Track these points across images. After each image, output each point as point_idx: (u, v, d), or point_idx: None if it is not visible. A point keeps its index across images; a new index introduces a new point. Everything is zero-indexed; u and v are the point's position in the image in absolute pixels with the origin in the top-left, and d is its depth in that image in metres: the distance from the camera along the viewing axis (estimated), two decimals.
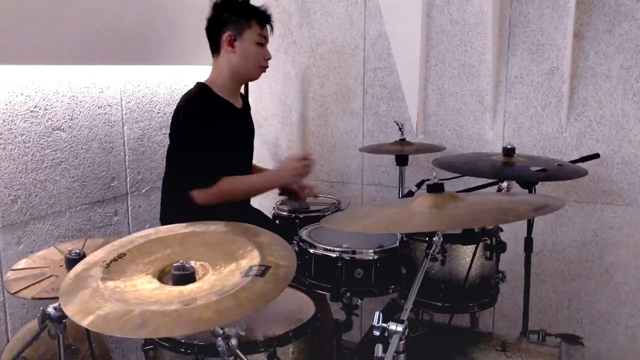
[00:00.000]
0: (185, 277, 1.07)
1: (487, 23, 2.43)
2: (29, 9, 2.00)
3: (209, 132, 2.02)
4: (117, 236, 2.09)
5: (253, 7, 2.19)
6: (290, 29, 2.87)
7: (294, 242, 2.02)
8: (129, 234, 2.62)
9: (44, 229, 2.19)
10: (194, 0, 2.70)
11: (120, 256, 1.13)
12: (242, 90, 2.42)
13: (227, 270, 1.08)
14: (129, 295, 0.99)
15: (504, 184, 1.92)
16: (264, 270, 1.06)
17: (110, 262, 1.11)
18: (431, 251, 1.22)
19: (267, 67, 2.21)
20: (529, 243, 2.14)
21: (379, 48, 2.69)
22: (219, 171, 2.00)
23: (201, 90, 2.12)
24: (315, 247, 1.90)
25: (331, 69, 2.81)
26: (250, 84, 2.99)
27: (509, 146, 1.97)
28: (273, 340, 1.33)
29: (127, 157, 2.55)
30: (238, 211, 2.22)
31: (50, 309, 1.21)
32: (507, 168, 1.88)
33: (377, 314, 1.16)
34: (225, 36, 2.11)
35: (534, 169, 1.77)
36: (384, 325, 1.14)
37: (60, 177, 2.26)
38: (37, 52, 2.05)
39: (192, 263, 1.11)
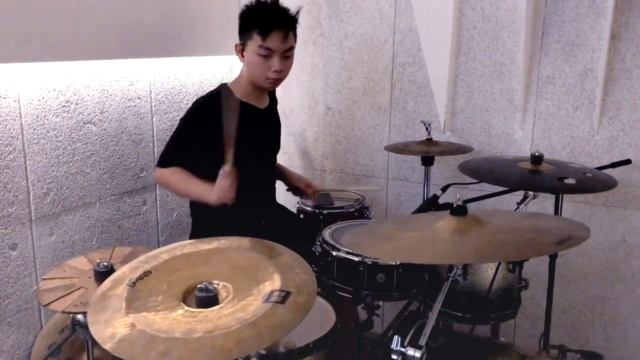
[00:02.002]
0: (209, 299, 1.10)
1: (520, 21, 2.37)
2: (59, 7, 2.02)
3: (211, 133, 1.96)
4: (144, 245, 2.14)
5: (256, 16, 2.02)
6: (319, 21, 2.84)
7: (317, 242, 2.05)
8: (157, 223, 2.69)
9: (75, 220, 2.26)
10: None
11: (146, 274, 1.17)
12: None
13: (248, 293, 1.11)
14: (153, 319, 1.02)
15: (530, 193, 1.91)
16: (284, 296, 1.08)
17: (137, 280, 1.14)
18: (452, 274, 1.22)
19: (276, 78, 2.06)
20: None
21: (408, 43, 2.65)
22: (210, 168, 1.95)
23: (219, 92, 2.12)
24: (338, 249, 1.92)
25: (359, 63, 2.79)
26: None
27: (537, 153, 1.94)
28: (293, 352, 1.35)
29: (155, 148, 2.59)
30: (263, 210, 2.24)
31: (80, 317, 1.25)
32: (534, 177, 1.85)
33: (395, 338, 1.18)
34: (236, 45, 2.09)
35: (566, 181, 1.74)
36: (402, 350, 1.15)
37: (91, 169, 2.31)
38: (68, 49, 2.09)
39: (216, 283, 1.14)
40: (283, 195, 2.49)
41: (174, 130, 2.15)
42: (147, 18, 2.40)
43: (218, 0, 2.71)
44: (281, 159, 3.08)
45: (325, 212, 2.40)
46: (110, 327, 1.01)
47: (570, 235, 1.12)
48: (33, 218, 2.09)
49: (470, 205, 2.51)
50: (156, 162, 2.17)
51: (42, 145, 2.10)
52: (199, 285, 1.11)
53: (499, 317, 1.72)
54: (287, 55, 2.06)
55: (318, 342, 1.42)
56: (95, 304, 1.08)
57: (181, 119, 2.13)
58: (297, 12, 2.09)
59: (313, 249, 2.02)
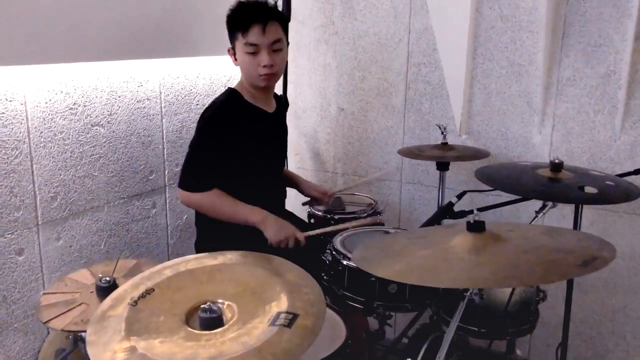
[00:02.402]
0: (213, 320, 1.05)
1: (540, 21, 2.29)
2: (65, 7, 1.99)
3: (229, 141, 1.98)
4: (149, 259, 2.10)
5: (236, 15, 2.03)
6: (332, 19, 2.78)
7: (327, 250, 1.99)
8: (167, 226, 2.65)
9: (83, 224, 2.22)
10: None
11: (149, 292, 1.12)
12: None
13: (254, 315, 1.06)
14: (154, 343, 0.98)
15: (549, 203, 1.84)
16: (291, 319, 1.03)
17: (138, 298, 1.10)
18: (468, 294, 1.16)
19: (269, 73, 2.01)
20: None
21: (423, 42, 2.58)
22: (226, 180, 1.98)
23: (230, 97, 2.08)
24: (349, 258, 1.86)
25: (373, 63, 2.72)
26: (288, 75, 2.93)
27: (556, 160, 1.86)
28: None
29: (165, 150, 2.55)
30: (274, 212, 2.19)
31: (83, 334, 1.21)
32: (554, 186, 1.78)
33: None
34: (228, 50, 2.09)
35: (586, 190, 1.67)
36: None
37: (99, 173, 2.27)
38: (75, 50, 2.05)
39: (220, 303, 1.09)
40: (293, 198, 2.44)
41: (191, 147, 2.05)
42: (156, 18, 2.35)
43: None
44: (292, 160, 3.03)
45: (336, 217, 2.35)
46: (109, 350, 0.97)
47: (595, 256, 1.06)
48: (40, 223, 2.06)
49: (486, 213, 2.46)
50: (180, 183, 2.04)
51: (49, 148, 2.06)
52: (202, 306, 1.06)
53: (516, 333, 1.66)
54: (275, 49, 2.01)
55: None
56: (94, 325, 1.04)
57: (196, 133, 2.06)
58: (289, 9, 2.11)
59: (323, 257, 1.97)
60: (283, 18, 2.08)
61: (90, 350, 0.98)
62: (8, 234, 1.95)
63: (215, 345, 0.97)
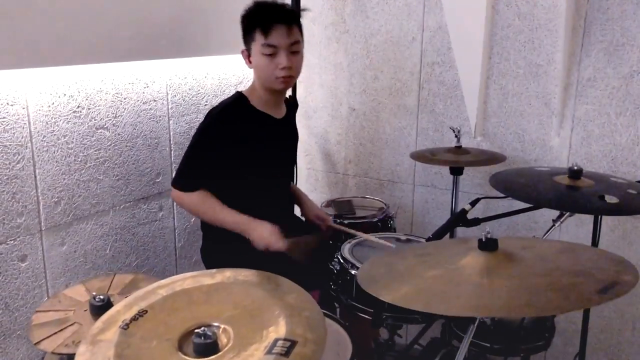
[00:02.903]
0: (207, 346, 1.00)
1: (559, 19, 2.20)
2: (68, 9, 1.94)
3: (228, 144, 1.94)
4: (145, 274, 2.05)
5: (256, 15, 1.97)
6: (343, 17, 2.70)
7: (335, 259, 1.93)
8: (174, 229, 2.61)
9: (87, 229, 2.19)
10: None
11: (141, 314, 1.07)
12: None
13: (251, 340, 1.00)
14: None
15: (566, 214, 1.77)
16: (289, 347, 0.97)
17: (130, 321, 1.05)
18: (479, 317, 1.10)
19: (286, 76, 1.95)
20: None
21: (437, 41, 2.50)
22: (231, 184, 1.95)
23: (235, 100, 2.02)
24: (357, 268, 1.80)
25: (385, 62, 2.64)
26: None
27: (575, 167, 1.78)
28: None
29: (172, 152, 2.51)
30: (278, 223, 2.12)
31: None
32: (572, 194, 1.70)
33: None
34: (242, 51, 2.02)
35: (607, 199, 1.59)
36: None
37: (104, 176, 2.23)
38: (78, 52, 2.01)
39: (216, 327, 1.04)
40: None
41: (188, 146, 2.03)
42: (161, 17, 2.30)
43: None
44: (303, 160, 2.97)
45: (346, 222, 2.28)
46: None
47: (615, 282, 0.98)
48: (43, 228, 2.02)
49: (501, 221, 2.37)
50: (173, 181, 2.03)
51: (52, 152, 2.02)
52: (196, 330, 1.01)
53: (531, 349, 1.58)
54: (294, 51, 1.94)
55: None
56: (83, 350, 0.99)
57: (196, 133, 2.01)
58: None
59: (331, 266, 1.91)
60: (301, 23, 2.02)
61: None
62: (10, 240, 1.92)
63: None
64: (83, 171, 2.14)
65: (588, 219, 2.11)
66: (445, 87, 2.52)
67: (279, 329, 1.02)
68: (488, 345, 1.54)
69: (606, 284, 0.98)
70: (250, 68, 2.01)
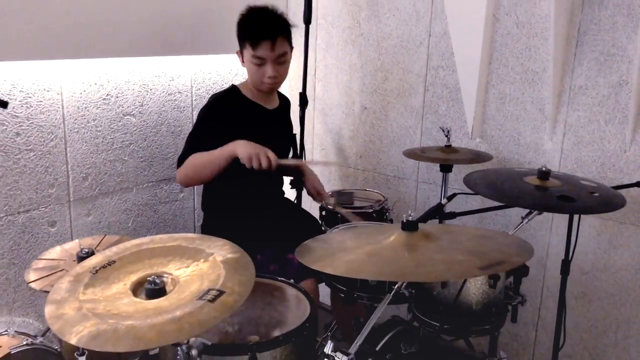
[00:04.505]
0: (155, 291, 1.22)
1: (553, 28, 2.29)
2: (100, 7, 2.22)
3: (220, 129, 2.09)
4: (131, 236, 2.31)
5: (246, 26, 2.15)
6: (359, 21, 2.88)
7: None
8: (194, 209, 2.87)
9: (112, 203, 2.48)
10: None
11: (110, 263, 1.31)
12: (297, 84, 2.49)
13: (189, 289, 1.21)
14: (99, 305, 1.16)
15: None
16: (217, 295, 1.17)
17: (100, 268, 1.29)
18: (395, 287, 1.26)
19: (271, 83, 2.17)
20: (565, 265, 2.07)
21: (442, 46, 2.64)
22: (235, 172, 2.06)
23: (228, 92, 2.24)
24: None
25: (395, 64, 2.80)
26: (317, 73, 3.07)
27: (544, 168, 1.90)
28: (253, 345, 1.44)
29: None
30: (268, 205, 2.32)
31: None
32: (536, 194, 1.82)
33: (329, 343, 1.25)
34: (237, 51, 2.23)
35: (567, 200, 1.70)
36: (333, 354, 1.22)
37: (129, 158, 2.52)
38: (109, 46, 2.28)
39: (165, 277, 1.26)
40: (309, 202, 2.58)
41: (189, 133, 2.20)
42: (187, 16, 2.54)
43: None
44: (319, 154, 3.18)
45: (344, 211, 2.46)
46: (61, 308, 1.16)
47: (501, 261, 1.13)
48: (72, 199, 2.32)
49: (472, 217, 2.49)
50: (177, 166, 2.15)
51: (82, 134, 2.32)
52: (148, 278, 1.23)
53: (477, 332, 1.73)
54: (280, 62, 2.15)
55: (285, 337, 1.45)
56: (59, 287, 1.24)
57: (199, 115, 2.25)
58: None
59: None
60: (290, 30, 2.20)
61: (47, 308, 1.18)
62: (42, 207, 2.22)
63: (145, 312, 1.14)
64: (110, 152, 2.43)
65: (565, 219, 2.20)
66: (448, 90, 2.66)
67: (216, 282, 1.23)
68: (437, 325, 1.70)
69: (492, 262, 1.14)
70: (243, 67, 2.23)
